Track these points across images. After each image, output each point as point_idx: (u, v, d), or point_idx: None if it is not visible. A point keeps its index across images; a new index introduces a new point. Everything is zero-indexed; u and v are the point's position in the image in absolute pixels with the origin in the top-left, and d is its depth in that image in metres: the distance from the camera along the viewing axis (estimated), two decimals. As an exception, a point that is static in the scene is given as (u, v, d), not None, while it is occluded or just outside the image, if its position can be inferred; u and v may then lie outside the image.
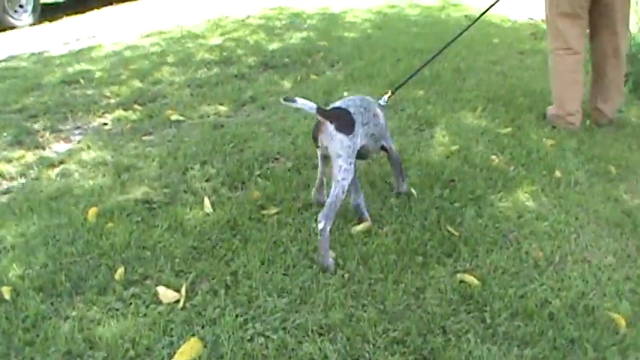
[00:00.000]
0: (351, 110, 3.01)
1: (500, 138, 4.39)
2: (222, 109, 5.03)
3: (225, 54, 6.85)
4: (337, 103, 3.10)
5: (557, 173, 3.88)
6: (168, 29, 8.68)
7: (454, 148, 4.17)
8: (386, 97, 3.50)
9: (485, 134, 4.45)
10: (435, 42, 7.35)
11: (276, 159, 4.00)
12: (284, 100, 2.92)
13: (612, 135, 4.62)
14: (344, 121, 2.93)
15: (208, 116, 4.88)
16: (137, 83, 5.84)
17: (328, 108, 3.04)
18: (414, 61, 6.28)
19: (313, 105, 2.87)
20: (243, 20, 9.30)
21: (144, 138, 4.49)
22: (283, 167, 3.86)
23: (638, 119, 5.10)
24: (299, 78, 5.86)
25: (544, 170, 3.93)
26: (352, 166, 2.96)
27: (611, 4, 4.51)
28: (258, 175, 3.75)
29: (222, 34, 8.12)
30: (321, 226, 2.85)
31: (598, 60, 4.81)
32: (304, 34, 8.08)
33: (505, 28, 8.93)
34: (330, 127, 2.89)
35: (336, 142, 2.89)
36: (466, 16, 10.12)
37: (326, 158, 3.08)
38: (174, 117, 4.82)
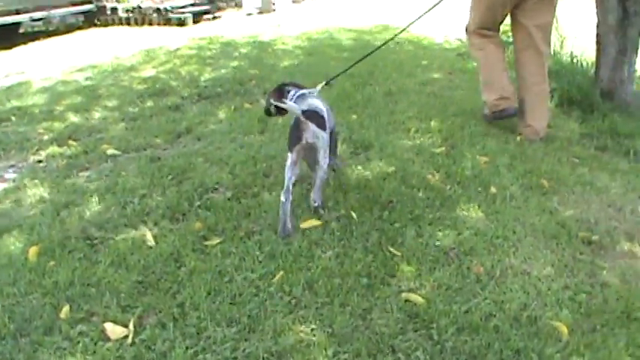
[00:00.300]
0: (317, 110, 3.58)
1: (435, 157, 4.49)
2: (158, 141, 5.00)
3: (158, 86, 6.84)
4: (304, 107, 3.56)
5: (493, 189, 3.99)
6: (100, 62, 8.60)
7: (391, 169, 4.24)
8: (319, 86, 4.11)
9: (420, 154, 4.54)
10: (367, 66, 7.43)
11: (215, 189, 3.99)
12: (273, 101, 3.71)
13: (542, 149, 4.78)
14: (320, 120, 3.49)
15: (144, 149, 4.85)
16: (71, 118, 5.76)
17: (303, 110, 3.49)
18: (346, 86, 6.37)
19: (299, 108, 3.44)
20: (174, 51, 9.29)
21: (81, 174, 4.43)
22: (223, 197, 3.85)
23: (565, 133, 5.27)
24: (233, 107, 5.86)
25: (479, 187, 4.03)
26: (328, 152, 3.57)
27: (528, 27, 4.99)
28: (199, 206, 3.74)
29: (154, 66, 8.10)
30: (317, 204, 3.61)
31: (525, 78, 5.15)
32: (236, 63, 8.11)
33: (433, 49, 9.14)
34: (313, 127, 3.40)
35: (319, 138, 3.43)
36: (393, 39, 10.27)
37: (304, 151, 3.51)
38: (110, 151, 4.77)
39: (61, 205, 3.87)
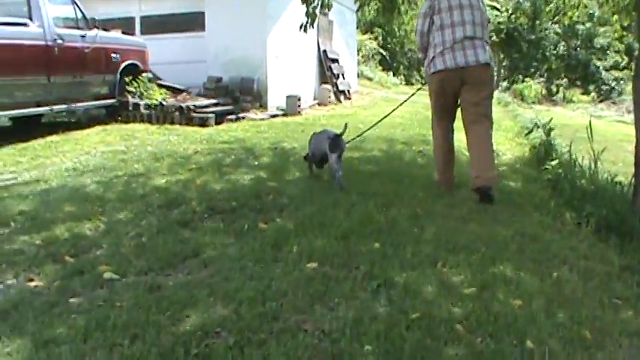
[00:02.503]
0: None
1: (465, 300, 4.03)
2: (161, 264, 4.55)
3: (169, 196, 6.49)
4: (329, 133, 7.07)
5: (529, 343, 3.51)
6: (112, 164, 8.32)
7: (414, 315, 3.77)
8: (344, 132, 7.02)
9: (447, 296, 4.09)
10: (392, 184, 7.12)
11: (217, 333, 3.51)
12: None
13: (581, 288, 4.38)
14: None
15: (145, 273, 4.40)
16: (73, 229, 5.37)
17: (338, 132, 6.94)
18: (369, 206, 6.00)
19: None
20: (192, 155, 9.04)
21: (71, 300, 3.97)
22: (224, 344, 3.36)
23: (604, 266, 4.87)
24: (246, 227, 5.40)
25: (514, 340, 3.55)
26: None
27: (467, 109, 6.80)
28: (196, 355, 3.25)
29: (168, 173, 7.80)
30: (343, 186, 6.72)
31: (473, 141, 6.79)
32: (255, 173, 7.79)
33: (462, 162, 8.59)
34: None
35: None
36: (420, 152, 10.02)
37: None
38: (107, 274, 4.33)
39: (41, 343, 3.39)
